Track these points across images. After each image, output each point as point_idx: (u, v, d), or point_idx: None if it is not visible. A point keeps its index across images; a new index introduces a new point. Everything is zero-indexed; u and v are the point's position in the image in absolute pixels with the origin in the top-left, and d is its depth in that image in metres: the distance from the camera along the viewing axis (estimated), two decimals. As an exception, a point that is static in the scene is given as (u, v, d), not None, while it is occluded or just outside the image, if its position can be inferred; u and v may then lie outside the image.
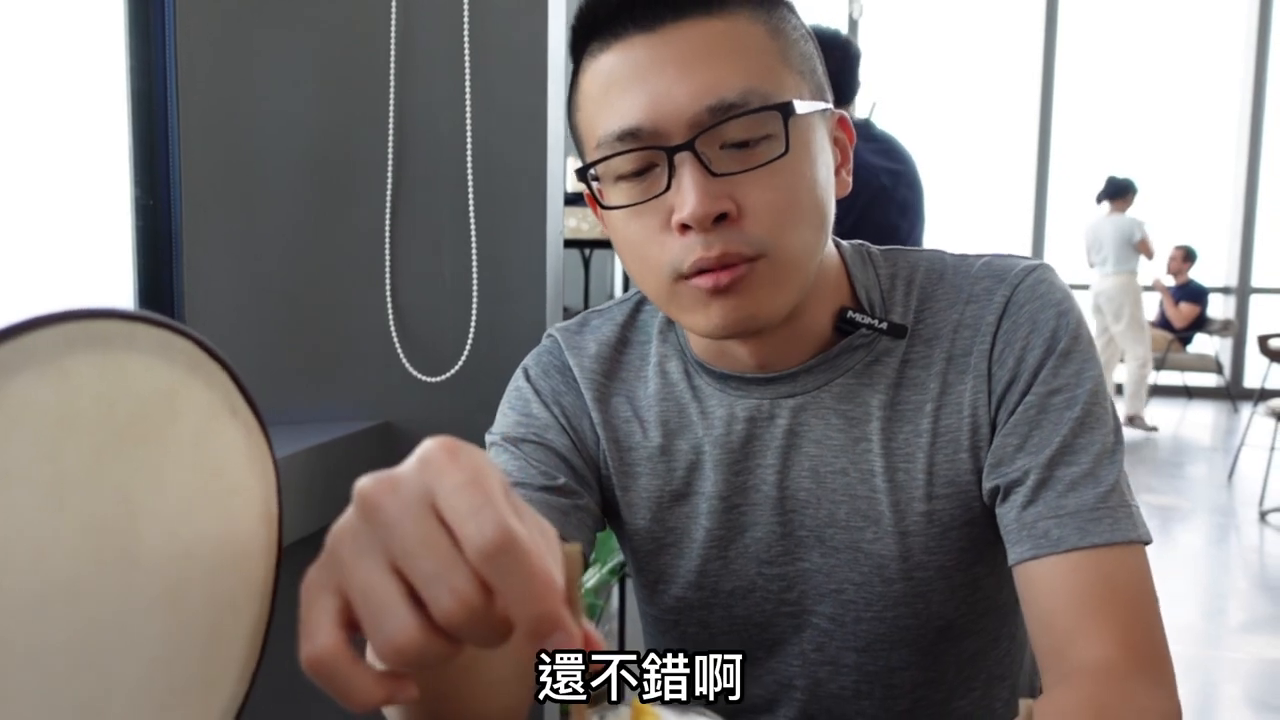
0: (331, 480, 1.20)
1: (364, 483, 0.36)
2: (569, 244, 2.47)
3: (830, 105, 0.72)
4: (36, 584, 0.35)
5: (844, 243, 0.79)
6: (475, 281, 1.29)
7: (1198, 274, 7.40)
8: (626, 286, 2.95)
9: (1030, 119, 7.78)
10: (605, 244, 2.43)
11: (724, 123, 0.64)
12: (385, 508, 0.35)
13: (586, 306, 3.13)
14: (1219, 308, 7.71)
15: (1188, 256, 7.30)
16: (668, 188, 0.66)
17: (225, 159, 1.32)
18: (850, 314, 0.74)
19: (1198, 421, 7.13)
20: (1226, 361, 7.65)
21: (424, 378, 1.28)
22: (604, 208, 0.71)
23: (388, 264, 1.31)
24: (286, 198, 1.32)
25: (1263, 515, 4.39)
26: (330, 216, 1.32)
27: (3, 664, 0.34)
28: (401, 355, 1.29)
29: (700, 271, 0.66)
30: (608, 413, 0.79)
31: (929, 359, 0.74)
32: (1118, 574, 0.66)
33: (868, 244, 0.80)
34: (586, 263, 3.12)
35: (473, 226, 1.29)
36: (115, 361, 0.37)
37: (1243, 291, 7.78)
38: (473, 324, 1.29)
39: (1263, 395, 4.85)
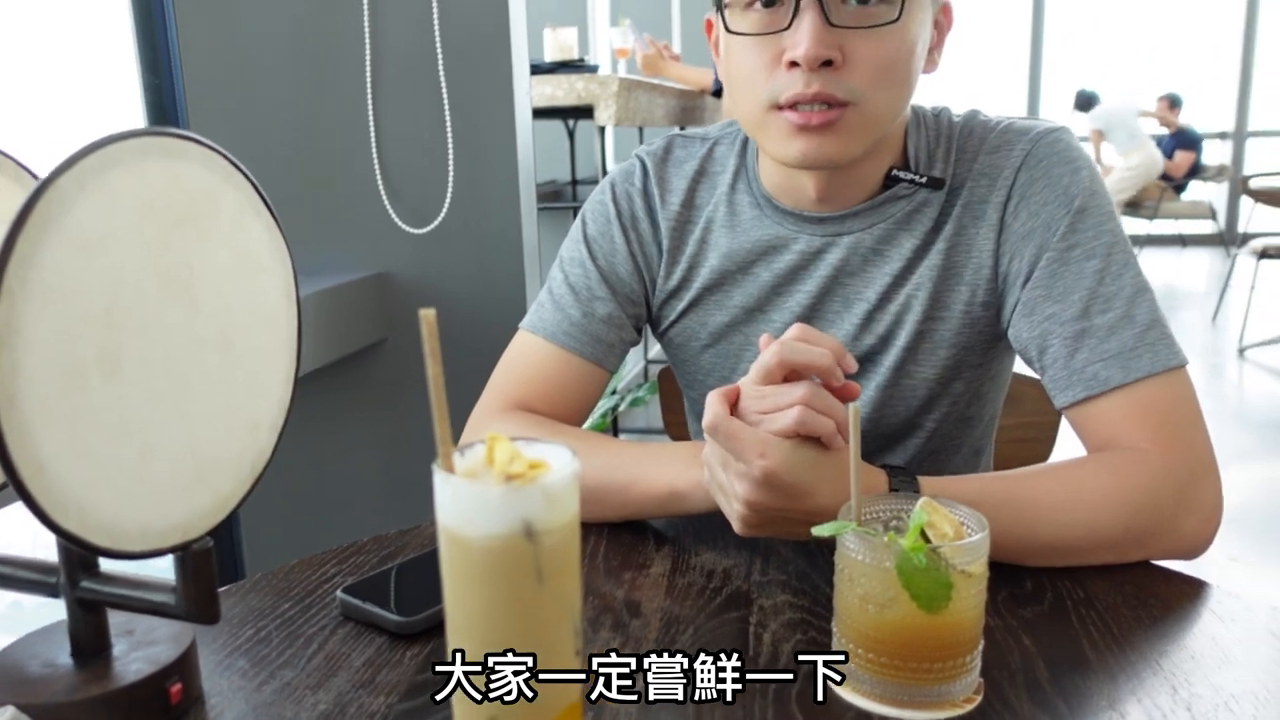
0: (340, 321, 1.38)
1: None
2: (548, 113, 2.56)
3: None
4: (140, 314, 0.54)
5: (912, 105, 0.86)
6: (450, 143, 1.45)
7: (1195, 121, 7.37)
8: (613, 159, 3.04)
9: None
10: (586, 113, 2.52)
11: None
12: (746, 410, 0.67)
13: (573, 178, 3.25)
14: (1215, 153, 7.71)
15: (1173, 104, 7.25)
16: (788, 26, 0.75)
17: (221, 42, 1.46)
18: (896, 171, 0.84)
19: (1192, 268, 7.24)
20: (1222, 207, 7.69)
21: (411, 229, 1.45)
22: (729, 31, 0.80)
23: (372, 129, 1.46)
24: (279, 74, 1.47)
25: (1241, 352, 4.58)
26: (317, 91, 1.48)
27: (127, 364, 0.53)
28: (390, 210, 1.46)
29: (794, 106, 0.76)
30: (678, 240, 0.92)
31: (952, 205, 0.84)
32: (1159, 399, 0.75)
33: (924, 107, 0.89)
34: (571, 134, 3.22)
35: (444, 92, 1.44)
36: (175, 167, 0.54)
37: (1239, 136, 7.76)
38: (450, 181, 1.45)
39: (1249, 238, 4.95)
